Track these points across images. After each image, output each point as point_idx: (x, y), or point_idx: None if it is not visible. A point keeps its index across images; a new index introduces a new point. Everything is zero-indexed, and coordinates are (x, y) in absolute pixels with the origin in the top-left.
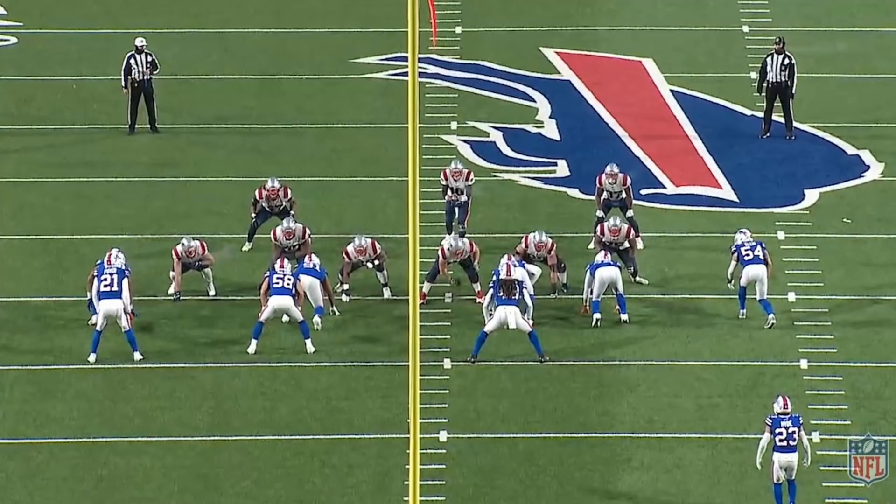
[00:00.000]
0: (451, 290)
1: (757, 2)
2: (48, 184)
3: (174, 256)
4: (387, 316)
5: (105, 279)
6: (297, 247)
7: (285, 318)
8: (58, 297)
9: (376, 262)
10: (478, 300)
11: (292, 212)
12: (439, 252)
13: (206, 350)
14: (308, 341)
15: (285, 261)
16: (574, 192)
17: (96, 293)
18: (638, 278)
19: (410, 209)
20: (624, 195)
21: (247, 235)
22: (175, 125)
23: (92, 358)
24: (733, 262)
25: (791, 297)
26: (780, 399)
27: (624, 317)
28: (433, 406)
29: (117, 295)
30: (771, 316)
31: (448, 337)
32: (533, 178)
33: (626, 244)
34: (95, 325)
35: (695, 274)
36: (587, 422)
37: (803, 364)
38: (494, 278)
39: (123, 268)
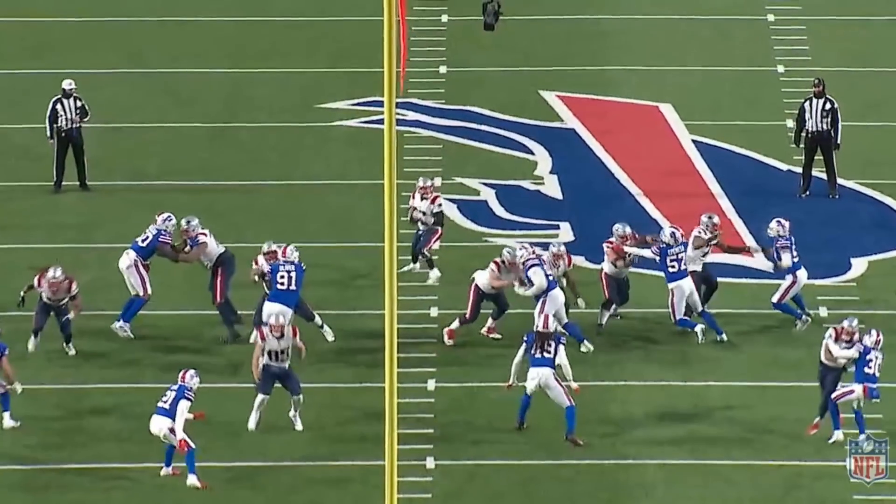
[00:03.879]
0: (435, 375)
1: (793, 38)
2: None
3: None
4: (360, 406)
5: (165, 397)
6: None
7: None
8: None
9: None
10: (489, 335)
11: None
12: (492, 264)
13: (144, 448)
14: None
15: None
16: (579, 260)
17: None
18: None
19: (387, 281)
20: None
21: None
22: (109, 181)
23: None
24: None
25: None
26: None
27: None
28: None
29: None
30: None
31: (431, 431)
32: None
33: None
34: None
35: (722, 358)
36: None
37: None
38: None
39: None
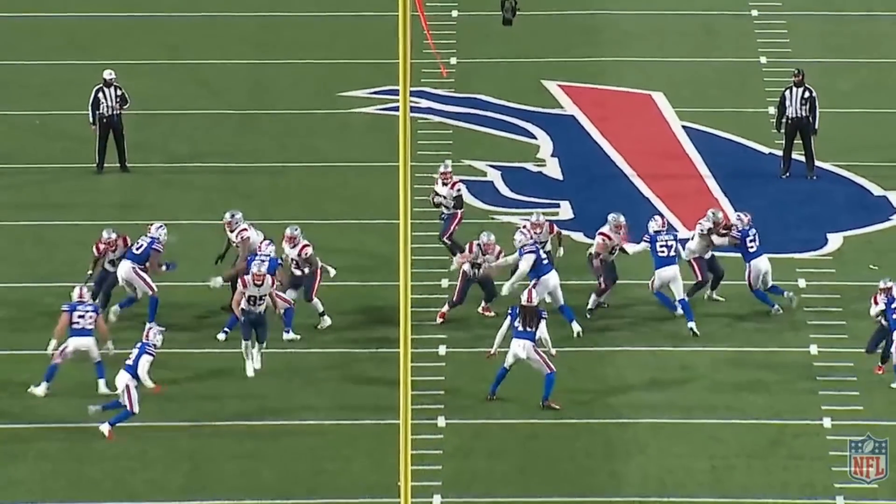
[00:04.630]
0: (446, 342)
1: (775, 31)
2: (9, 227)
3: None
4: (376, 370)
5: (131, 354)
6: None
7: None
8: (19, 351)
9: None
10: (485, 314)
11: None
12: (467, 248)
13: (180, 407)
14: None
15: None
16: (578, 237)
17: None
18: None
19: (401, 254)
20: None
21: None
22: (146, 164)
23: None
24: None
25: (813, 349)
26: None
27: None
28: (426, 468)
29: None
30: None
31: (442, 392)
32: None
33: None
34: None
35: (709, 327)
36: (593, 484)
37: (826, 423)
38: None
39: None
